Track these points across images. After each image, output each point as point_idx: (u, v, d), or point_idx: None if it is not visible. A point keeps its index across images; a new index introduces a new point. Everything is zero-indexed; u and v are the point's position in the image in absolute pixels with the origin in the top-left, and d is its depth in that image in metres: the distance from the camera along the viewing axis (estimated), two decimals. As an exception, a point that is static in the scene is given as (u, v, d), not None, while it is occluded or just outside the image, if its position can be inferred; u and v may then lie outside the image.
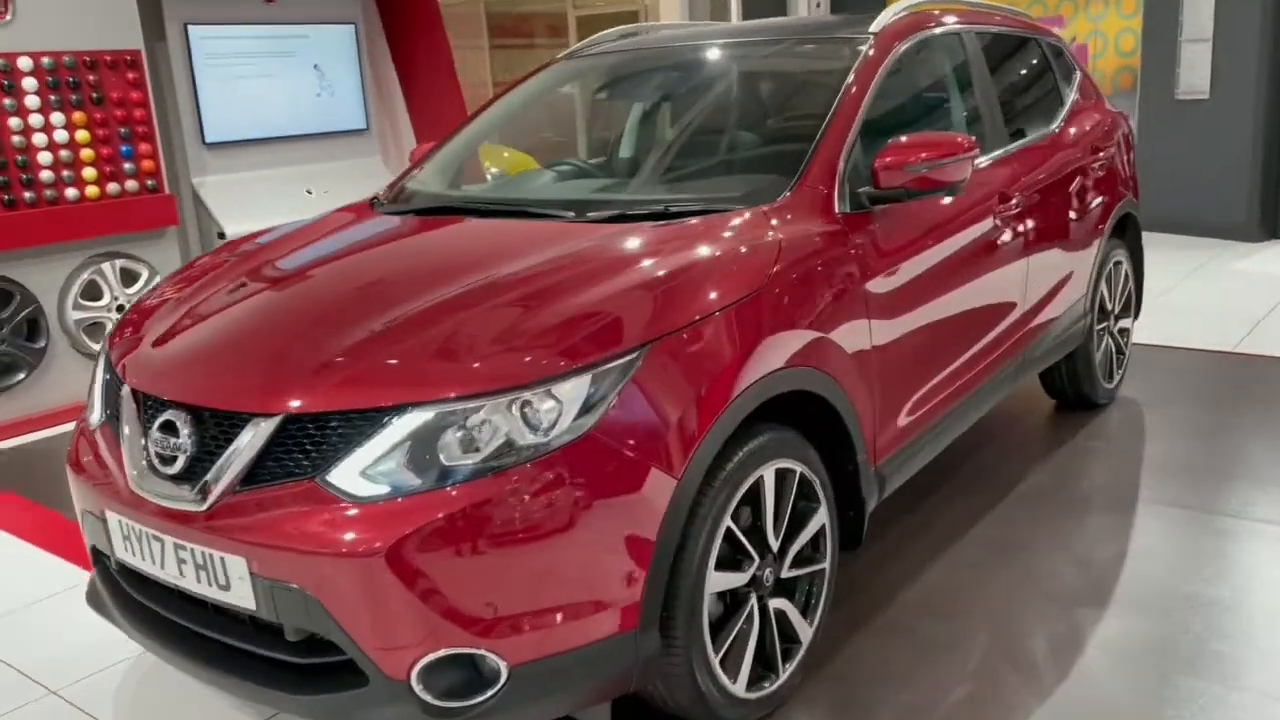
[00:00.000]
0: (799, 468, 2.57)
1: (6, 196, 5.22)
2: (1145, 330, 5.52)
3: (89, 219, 5.50)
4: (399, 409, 2.07)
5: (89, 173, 5.50)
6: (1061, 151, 3.98)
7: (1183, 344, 5.44)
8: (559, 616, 2.10)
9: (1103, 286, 4.36)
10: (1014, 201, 3.51)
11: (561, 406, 2.08)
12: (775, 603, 2.57)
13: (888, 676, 2.74)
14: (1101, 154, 4.23)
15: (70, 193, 5.45)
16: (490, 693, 2.08)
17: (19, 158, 5.26)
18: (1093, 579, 3.15)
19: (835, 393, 2.65)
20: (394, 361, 2.16)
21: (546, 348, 2.13)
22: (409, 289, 2.41)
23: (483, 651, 2.05)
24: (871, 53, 3.16)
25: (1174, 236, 8.09)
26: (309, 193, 6.53)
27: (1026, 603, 3.04)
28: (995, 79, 3.77)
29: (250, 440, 2.14)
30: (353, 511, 2.03)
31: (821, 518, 2.69)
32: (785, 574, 2.60)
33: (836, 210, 2.80)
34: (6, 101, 5.18)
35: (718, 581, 2.36)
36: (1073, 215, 3.97)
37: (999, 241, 3.41)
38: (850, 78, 3.06)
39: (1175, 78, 8.28)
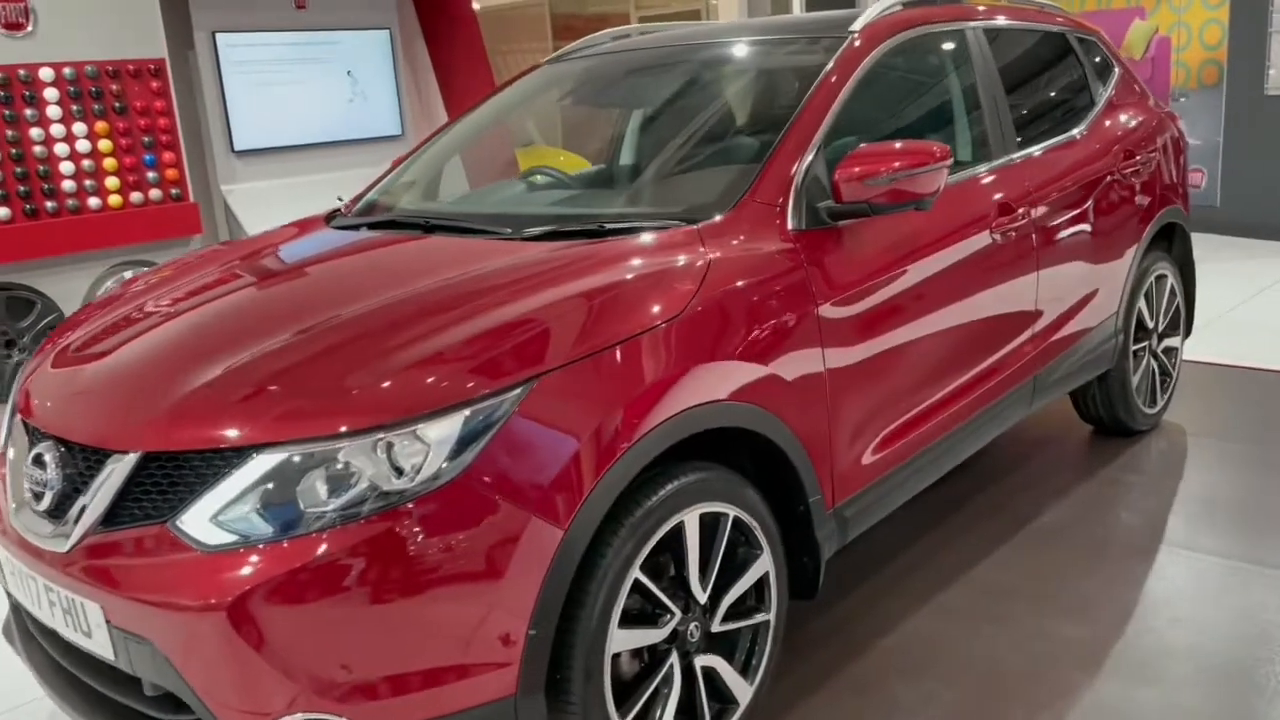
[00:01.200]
0: (732, 511, 2.33)
1: (28, 206, 5.26)
2: (1208, 347, 5.10)
3: (111, 228, 5.53)
4: (253, 449, 1.90)
5: (112, 182, 5.53)
6: (1086, 157, 3.64)
7: (1249, 364, 4.99)
8: (427, 681, 1.90)
9: (1140, 302, 3.98)
10: (1019, 213, 3.19)
11: (429, 449, 1.89)
12: (704, 660, 2.33)
13: (838, 748, 2.49)
14: (1138, 159, 3.86)
15: (93, 202, 5.48)
16: (341, 765, 1.90)
17: (41, 168, 5.30)
18: (1095, 638, 2.82)
19: (776, 429, 2.40)
20: (252, 397, 1.99)
21: (414, 384, 1.94)
22: (294, 316, 2.25)
23: (336, 719, 1.87)
24: (847, 53, 2.89)
25: (1260, 243, 7.54)
26: (340, 199, 6.46)
27: (1010, 662, 2.74)
28: (1007, 79, 3.45)
29: (110, 478, 2.00)
30: (200, 561, 1.87)
31: (764, 565, 2.44)
32: (717, 628, 2.36)
33: (790, 227, 2.54)
34: (28, 112, 5.22)
35: (623, 640, 2.14)
36: (1097, 226, 3.62)
37: (997, 258, 3.10)
38: (817, 81, 2.80)
39: (1264, 72, 7.72)
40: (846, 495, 2.66)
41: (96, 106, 5.44)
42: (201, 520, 1.89)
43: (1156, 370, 4.19)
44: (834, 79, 2.81)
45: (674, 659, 2.27)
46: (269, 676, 1.85)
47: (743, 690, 2.43)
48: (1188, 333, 4.42)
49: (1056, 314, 3.46)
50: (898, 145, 2.61)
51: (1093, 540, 3.35)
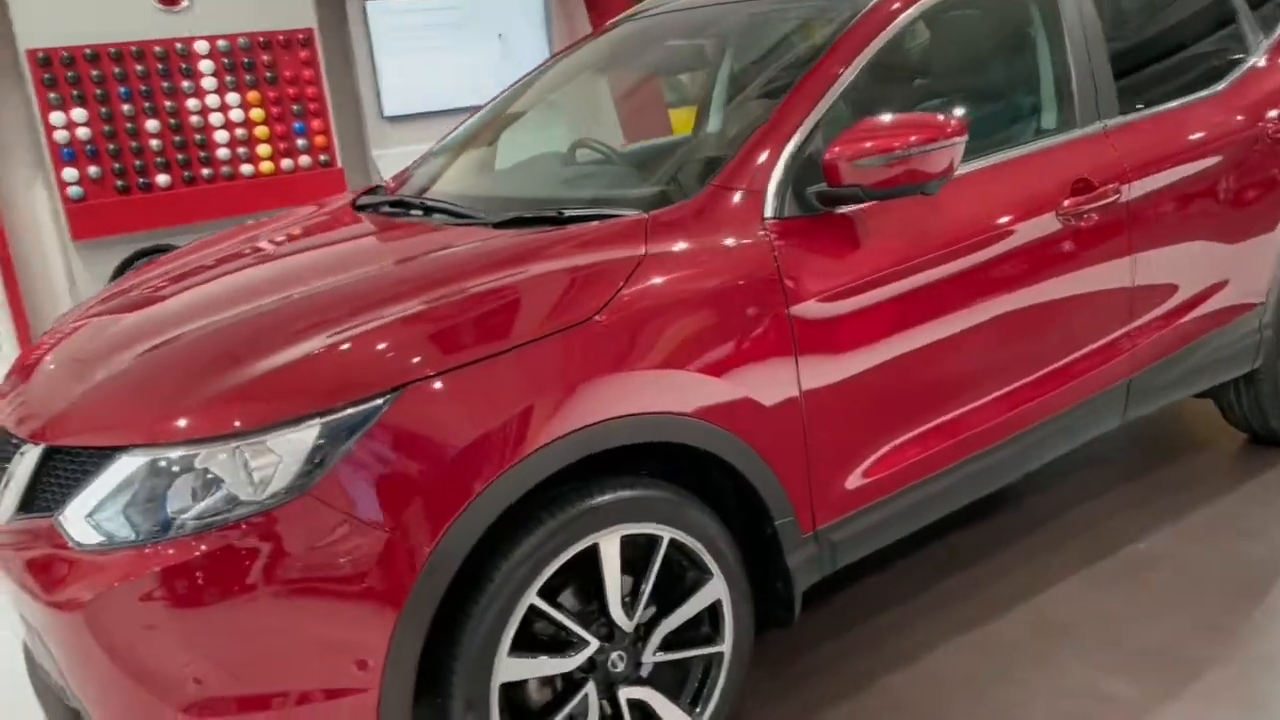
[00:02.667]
0: (667, 533, 2.12)
1: (186, 173, 5.58)
2: None
3: (263, 193, 5.78)
4: (119, 450, 1.87)
5: (263, 149, 5.78)
6: (1221, 120, 3.05)
7: None
8: (281, 703, 1.83)
9: (1305, 296, 3.35)
10: (1104, 191, 2.71)
11: (281, 460, 1.80)
12: (632, 692, 2.14)
13: (795, 793, 2.23)
14: (1303, 120, 3.21)
15: (245, 169, 5.75)
16: (203, 778, 1.86)
17: (197, 136, 5.60)
18: (1142, 703, 2.39)
19: (728, 445, 2.15)
20: (128, 397, 1.97)
21: (272, 392, 1.85)
22: (209, 310, 2.19)
23: (188, 732, 1.83)
24: (874, 10, 2.52)
25: None
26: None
27: (1030, 718, 2.37)
28: (1114, 31, 2.94)
29: (22, 467, 2.03)
30: (73, 559, 1.87)
31: (715, 592, 2.21)
32: (652, 658, 2.16)
33: (767, 214, 2.25)
34: (185, 84, 5.52)
35: (515, 669, 1.98)
36: (1231, 203, 3.05)
37: (1063, 246, 2.65)
38: (828, 44, 2.46)
39: None
40: (832, 518, 2.36)
41: (249, 77, 5.69)
42: (79, 518, 1.88)
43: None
44: (851, 40, 2.46)
45: (590, 690, 2.09)
46: (121, 683, 1.83)
47: (686, 727, 2.22)
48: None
49: (1163, 308, 2.95)
50: (900, 119, 2.25)
51: (1190, 579, 2.85)
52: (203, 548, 1.78)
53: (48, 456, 1.99)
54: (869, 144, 2.21)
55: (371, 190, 3.23)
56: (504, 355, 1.91)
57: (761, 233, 2.23)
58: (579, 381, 1.96)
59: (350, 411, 1.81)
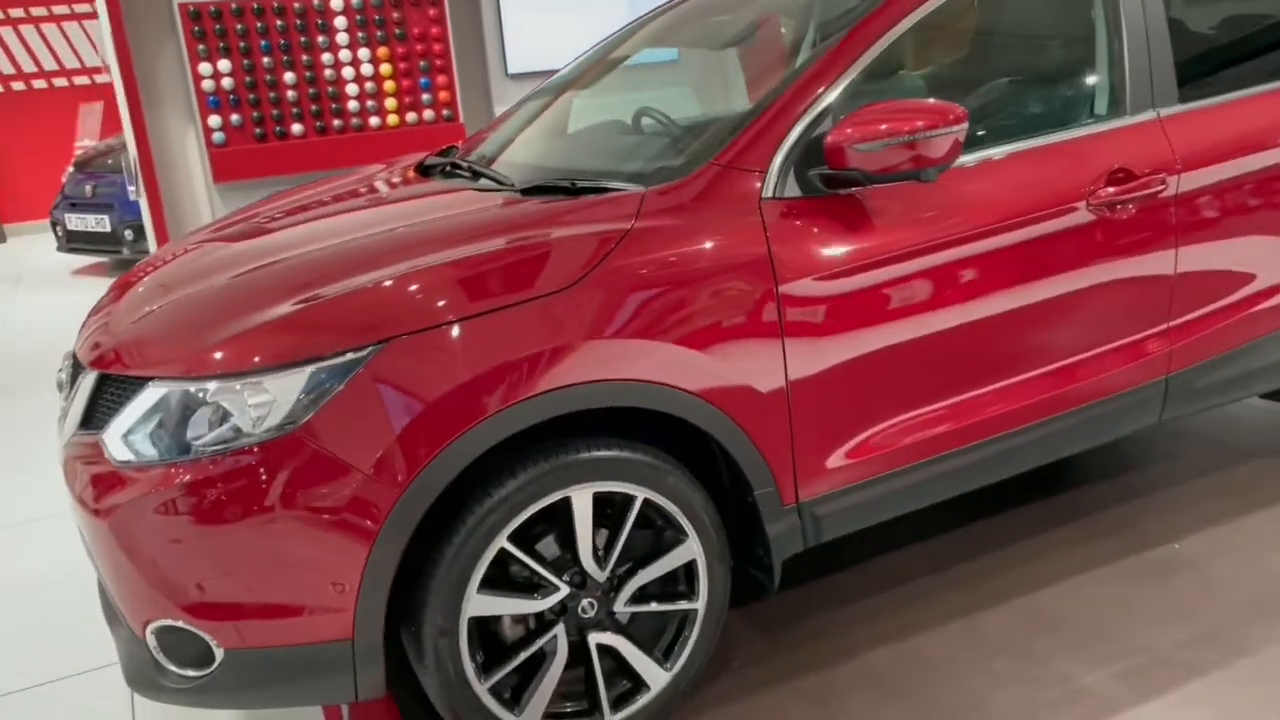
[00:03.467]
0: (641, 493, 2.24)
1: (319, 124, 5.95)
2: None
3: (388, 145, 6.09)
4: (149, 380, 2.12)
5: (390, 103, 6.09)
6: (1296, 113, 2.91)
7: None
8: (267, 612, 2.06)
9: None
10: (1148, 181, 2.65)
11: (274, 399, 2.01)
12: (601, 637, 2.29)
13: (755, 748, 2.35)
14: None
15: (373, 121, 6.08)
16: (205, 671, 2.11)
17: (330, 89, 5.95)
18: (1119, 700, 2.39)
19: (704, 414, 2.25)
20: (162, 333, 2.22)
21: (270, 338, 2.06)
22: (247, 259, 2.43)
23: (193, 628, 2.08)
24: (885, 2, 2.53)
25: None
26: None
27: (999, 704, 2.40)
28: (1182, 12, 2.83)
29: (83, 389, 2.32)
30: (107, 472, 2.14)
31: (691, 553, 2.34)
32: (623, 609, 2.30)
33: (765, 194, 2.32)
34: (320, 39, 5.86)
35: (484, 605, 2.16)
36: (1300, 200, 2.91)
37: (1093, 236, 2.60)
38: (850, 23, 2.49)
39: None
40: (817, 492, 2.44)
41: (379, 34, 5.99)
42: (116, 437, 2.15)
43: None
44: (870, 25, 2.48)
45: (559, 631, 2.26)
46: (138, 580, 2.09)
47: (656, 675, 2.37)
48: None
49: (1212, 305, 2.86)
50: (901, 105, 2.28)
51: (1206, 587, 2.78)
52: (208, 471, 2.01)
53: (102, 381, 2.27)
54: (869, 128, 2.25)
55: (445, 151, 3.42)
56: (484, 316, 2.07)
57: (756, 211, 2.30)
58: (552, 345, 2.09)
59: (337, 360, 2.01)
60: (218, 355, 2.07)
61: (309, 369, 2.01)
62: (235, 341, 2.08)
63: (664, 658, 2.39)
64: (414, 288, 2.10)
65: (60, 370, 2.53)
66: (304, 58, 5.85)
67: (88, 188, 8.26)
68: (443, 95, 6.19)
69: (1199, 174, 2.72)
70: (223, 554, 2.03)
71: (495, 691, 2.23)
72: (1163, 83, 2.76)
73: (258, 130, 5.84)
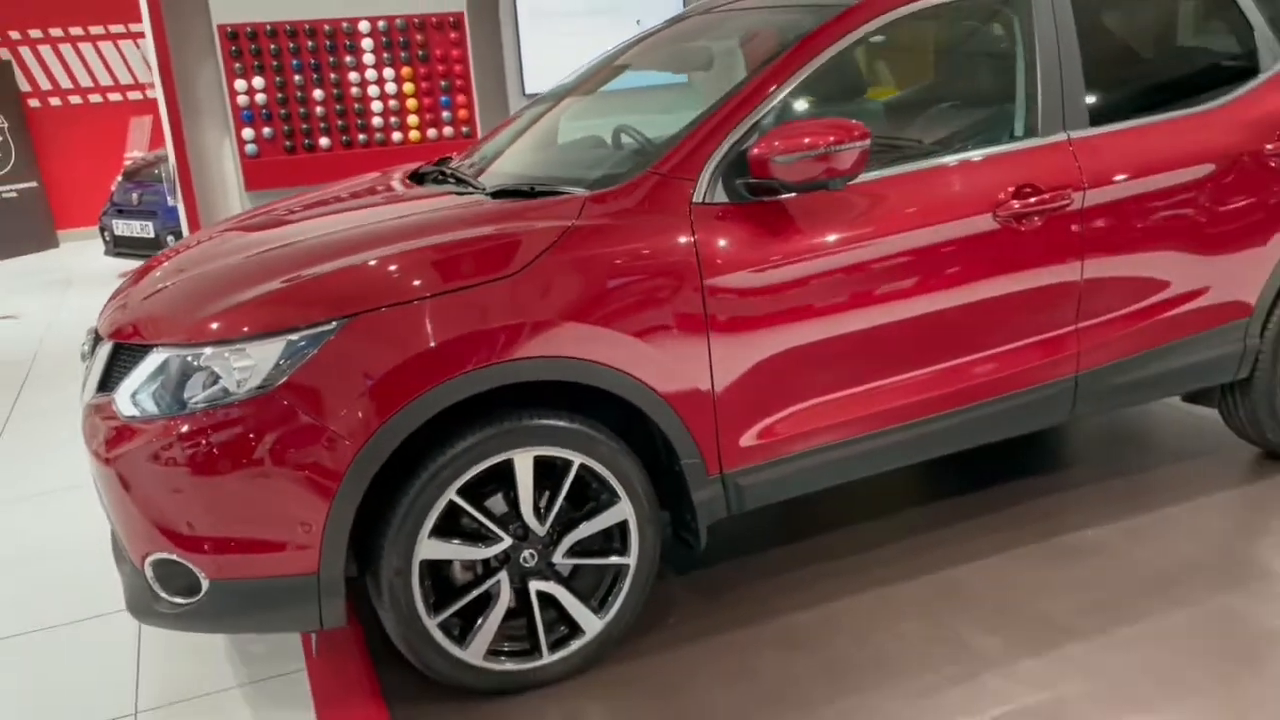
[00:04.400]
0: (577, 458, 2.56)
1: (344, 138, 6.36)
2: None
3: (410, 159, 6.43)
4: (152, 347, 2.48)
5: (412, 120, 6.48)
6: (1208, 134, 3.17)
7: None
8: (245, 547, 2.40)
9: (1310, 312, 3.40)
10: (1052, 196, 2.93)
11: (254, 364, 2.35)
12: (541, 585, 2.61)
13: (673, 690, 2.63)
14: (1312, 140, 3.27)
15: (395, 136, 6.47)
16: (193, 599, 2.45)
17: (356, 105, 6.36)
18: (1004, 652, 2.66)
19: (634, 391, 2.57)
20: (165, 308, 2.57)
21: (253, 312, 2.40)
22: (244, 250, 2.78)
23: (183, 561, 2.42)
24: (831, 23, 2.84)
25: None
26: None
27: (898, 653, 2.67)
28: (1100, 46, 3.11)
29: (100, 357, 2.68)
30: (116, 427, 2.49)
31: (622, 513, 2.65)
32: (561, 561, 2.62)
33: (695, 199, 2.64)
34: (348, 59, 6.28)
35: (434, 549, 2.48)
36: (1213, 214, 3.17)
37: (997, 243, 2.88)
38: (779, 53, 2.81)
39: None
40: (740, 464, 2.74)
41: (404, 54, 6.39)
42: (125, 397, 2.50)
43: (1338, 391, 3.55)
44: (799, 51, 2.80)
45: (502, 577, 2.57)
46: (137, 517, 2.44)
47: (590, 622, 2.67)
48: None
49: (1118, 309, 3.12)
50: (814, 123, 2.59)
51: (1115, 569, 3.03)
52: (199, 425, 2.36)
53: (116, 350, 2.63)
54: (786, 143, 2.56)
55: (441, 161, 3.78)
56: (436, 298, 2.40)
57: (687, 214, 2.62)
58: (494, 325, 2.42)
59: (309, 331, 2.35)
60: (211, 326, 2.42)
61: (285, 338, 2.35)
62: (226, 314, 2.43)
63: (599, 607, 2.69)
64: (377, 272, 2.45)
65: (84, 343, 2.90)
66: (332, 76, 6.27)
67: (134, 196, 8.76)
68: (462, 113, 6.57)
69: (1103, 190, 3.00)
70: (208, 496, 2.38)
71: (444, 627, 2.55)
72: (1074, 108, 3.04)
73: (288, 143, 6.26)
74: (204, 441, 2.35)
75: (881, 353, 2.83)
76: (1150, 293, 3.16)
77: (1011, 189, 2.91)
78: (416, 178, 3.45)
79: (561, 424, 2.54)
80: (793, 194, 2.64)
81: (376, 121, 6.41)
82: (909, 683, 2.57)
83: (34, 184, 10.86)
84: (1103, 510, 3.36)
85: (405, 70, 6.42)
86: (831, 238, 2.71)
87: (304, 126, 6.28)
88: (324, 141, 6.33)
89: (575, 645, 2.67)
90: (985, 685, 2.55)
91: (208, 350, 2.39)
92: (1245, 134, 3.21)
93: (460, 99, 6.56)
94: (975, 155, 2.95)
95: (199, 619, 2.48)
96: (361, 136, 6.39)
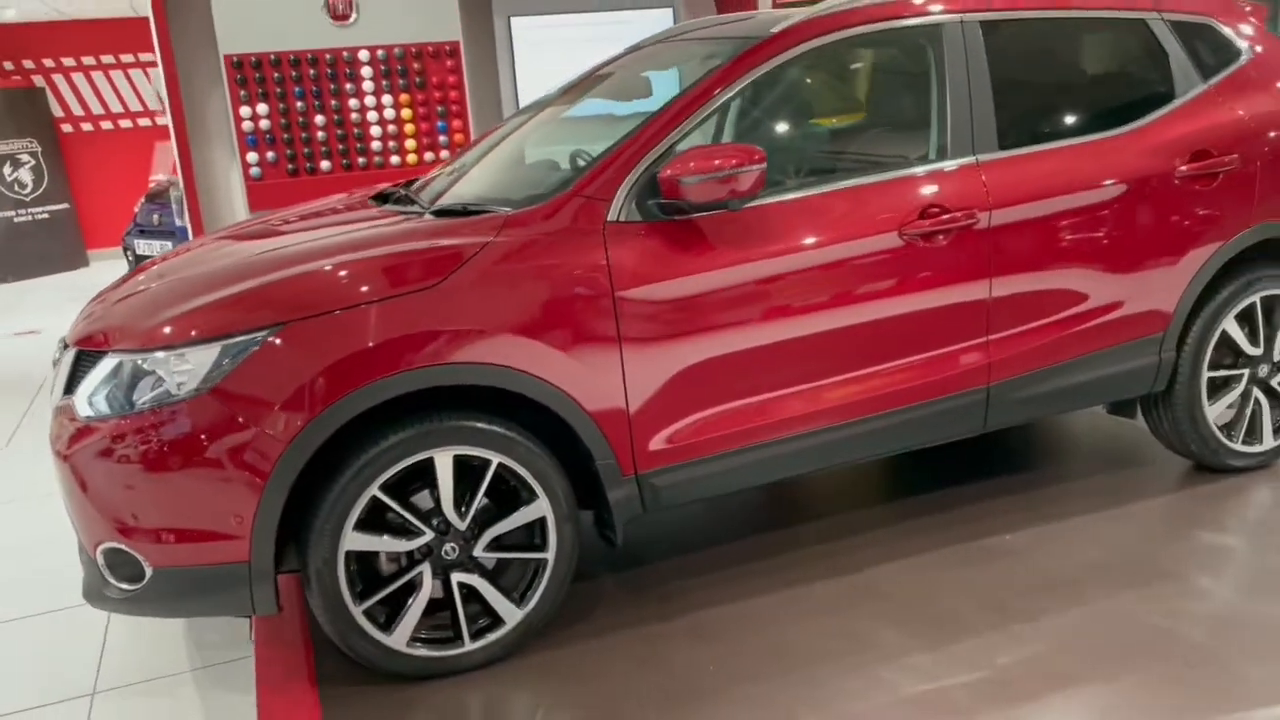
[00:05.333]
0: (495, 458, 2.75)
1: (345, 161, 6.63)
2: None
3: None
4: (105, 353, 2.71)
5: (410, 144, 6.74)
6: (1118, 157, 3.31)
7: None
8: (184, 537, 2.61)
9: (1228, 325, 3.52)
10: (958, 215, 3.09)
11: (192, 368, 2.57)
12: (462, 577, 2.80)
13: (589, 677, 2.81)
14: (1225, 160, 3.40)
15: (394, 160, 6.73)
16: (138, 585, 2.67)
17: (356, 130, 6.63)
18: (903, 646, 2.80)
19: (550, 396, 2.75)
20: (118, 318, 2.80)
21: (195, 321, 2.62)
22: (199, 264, 3.01)
23: (129, 550, 2.64)
24: (740, 58, 3.03)
25: None
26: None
27: (801, 645, 2.83)
28: (1014, 74, 3.27)
29: (65, 362, 2.92)
30: (75, 426, 2.72)
31: (540, 511, 2.83)
32: (482, 554, 2.80)
33: (609, 218, 2.83)
34: (348, 86, 6.56)
35: (357, 541, 2.68)
36: (1123, 233, 3.31)
37: (905, 260, 3.05)
38: (691, 86, 3.00)
39: None
40: (654, 466, 2.92)
41: (401, 81, 6.66)
42: (82, 398, 2.73)
43: (1267, 404, 3.66)
44: (708, 85, 2.99)
45: (425, 568, 2.76)
46: (89, 509, 2.66)
47: (510, 612, 2.85)
48: (1337, 365, 3.77)
49: (1028, 323, 3.26)
50: (715, 148, 2.79)
51: (1021, 570, 3.16)
52: (143, 424, 2.58)
53: (79, 356, 2.86)
54: (691, 166, 2.75)
55: (407, 183, 4.00)
56: (360, 307, 2.61)
57: (601, 232, 2.81)
58: (409, 333, 2.62)
59: (241, 338, 2.56)
60: (158, 333, 2.64)
61: (220, 344, 2.57)
62: (170, 323, 2.65)
63: (520, 599, 2.87)
64: (306, 284, 2.66)
65: (55, 351, 3.14)
66: (333, 103, 6.55)
67: (155, 217, 9.11)
68: (458, 138, 6.82)
69: (1009, 211, 3.16)
70: (150, 489, 2.59)
71: (370, 615, 2.74)
72: (984, 133, 3.20)
73: (290, 166, 6.54)
74: (147, 439, 2.57)
75: (789, 363, 3.00)
76: (1061, 307, 3.30)
77: (918, 209, 3.07)
78: (380, 198, 3.67)
79: (480, 425, 2.73)
80: (701, 213, 2.83)
81: (375, 146, 6.67)
82: (804, 671, 2.73)
83: (65, 205, 11.28)
84: (1025, 516, 3.50)
85: (403, 97, 6.69)
86: (739, 254, 2.89)
87: (306, 151, 6.56)
88: (325, 165, 6.61)
89: (497, 634, 2.85)
90: (877, 675, 2.70)
91: (155, 355, 2.61)
92: (1156, 157, 3.35)
93: (456, 123, 6.81)
94: (886, 177, 3.12)
95: (144, 604, 2.70)
96: (361, 160, 6.65)
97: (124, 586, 2.70)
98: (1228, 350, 3.61)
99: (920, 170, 3.15)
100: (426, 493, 2.77)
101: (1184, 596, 2.96)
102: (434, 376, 2.65)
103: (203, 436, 2.55)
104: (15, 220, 10.85)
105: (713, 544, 3.48)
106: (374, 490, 2.66)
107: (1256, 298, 3.55)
